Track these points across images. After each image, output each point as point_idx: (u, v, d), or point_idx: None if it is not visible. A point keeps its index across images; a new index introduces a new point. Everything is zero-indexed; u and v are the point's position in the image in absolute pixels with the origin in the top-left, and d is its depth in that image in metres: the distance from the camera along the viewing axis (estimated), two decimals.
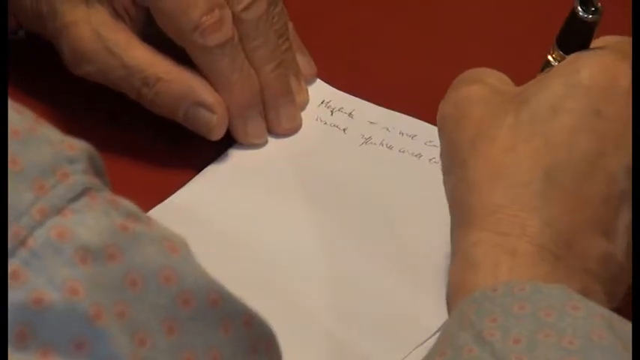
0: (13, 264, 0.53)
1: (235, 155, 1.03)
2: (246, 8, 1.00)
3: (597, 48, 0.89)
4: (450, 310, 0.82)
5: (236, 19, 0.99)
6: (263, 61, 1.02)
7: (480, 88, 0.88)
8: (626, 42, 0.91)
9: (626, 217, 0.86)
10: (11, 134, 0.58)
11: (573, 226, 0.83)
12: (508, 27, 1.21)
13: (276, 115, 1.03)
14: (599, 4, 0.88)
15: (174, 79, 1.00)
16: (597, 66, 0.87)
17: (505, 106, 0.85)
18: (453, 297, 0.83)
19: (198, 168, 1.02)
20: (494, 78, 0.90)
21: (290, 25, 1.05)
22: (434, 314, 0.87)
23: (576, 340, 0.75)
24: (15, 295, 0.54)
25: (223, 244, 0.98)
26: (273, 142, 1.03)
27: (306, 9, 1.13)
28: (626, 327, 0.77)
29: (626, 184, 0.86)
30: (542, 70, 0.91)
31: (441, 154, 0.91)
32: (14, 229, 0.54)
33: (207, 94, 1.00)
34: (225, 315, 0.61)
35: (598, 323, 0.75)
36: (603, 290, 0.84)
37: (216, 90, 1.00)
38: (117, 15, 1.01)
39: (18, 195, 0.55)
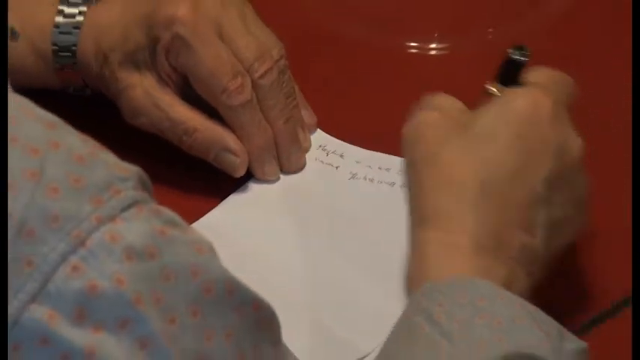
0: (73, 260, 0.65)
1: (253, 188, 1.17)
2: (261, 76, 1.12)
3: (528, 83, 1.04)
4: (407, 294, 0.97)
5: (254, 85, 1.12)
6: (276, 116, 1.14)
7: (434, 113, 1.04)
8: (551, 77, 1.06)
9: (542, 216, 1.01)
10: (75, 158, 0.69)
11: (501, 225, 0.98)
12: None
13: (287, 160, 1.16)
14: (529, 49, 1.06)
15: (207, 130, 1.13)
16: (525, 100, 1.02)
17: (453, 130, 1.02)
18: (410, 287, 0.97)
19: (222, 197, 1.15)
20: (449, 104, 1.05)
21: (296, 87, 1.16)
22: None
23: (503, 322, 0.90)
24: (75, 284, 0.65)
25: (242, 257, 1.07)
26: (283, 178, 1.17)
27: (310, 75, 1.21)
28: (540, 314, 0.93)
29: (543, 191, 1.01)
30: (484, 95, 1.05)
31: (404, 170, 1.06)
32: (76, 232, 0.65)
33: (232, 142, 1.13)
34: (239, 301, 0.73)
35: (518, 309, 0.91)
36: (524, 272, 0.99)
37: (239, 139, 1.13)
38: (162, 80, 1.14)
39: (79, 206, 0.66)
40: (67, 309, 0.65)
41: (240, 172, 1.13)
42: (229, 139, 1.12)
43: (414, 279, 0.97)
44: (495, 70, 1.06)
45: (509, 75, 1.05)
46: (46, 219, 0.66)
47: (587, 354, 0.92)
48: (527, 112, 1.02)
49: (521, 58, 1.05)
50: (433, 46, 1.32)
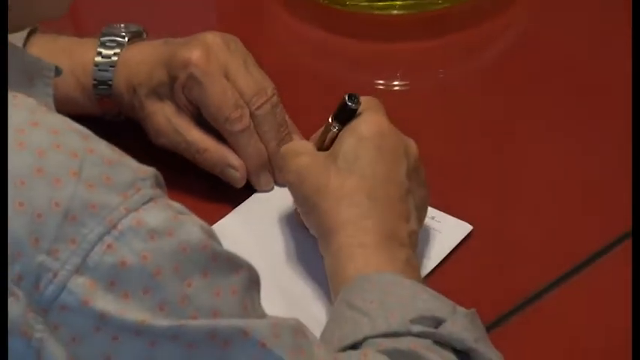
0: (108, 240, 0.67)
1: (259, 197, 1.16)
2: (258, 108, 1.12)
3: (363, 111, 1.06)
4: (334, 297, 0.99)
5: (252, 115, 1.13)
6: (269, 139, 1.14)
7: (304, 156, 1.05)
8: (373, 101, 1.08)
9: (412, 203, 1.04)
10: (106, 162, 0.71)
11: (390, 220, 1.00)
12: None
13: (279, 174, 1.15)
14: (359, 98, 1.05)
15: (214, 150, 1.13)
16: (369, 123, 1.04)
17: (325, 162, 1.03)
18: (333, 288, 0.99)
19: (231, 204, 1.14)
20: (309, 147, 1.07)
21: (287, 116, 1.16)
22: None
23: (407, 297, 0.91)
24: (109, 259, 0.67)
25: (250, 252, 0.96)
26: (277, 189, 1.16)
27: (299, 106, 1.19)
28: (436, 293, 0.93)
29: (406, 184, 1.04)
30: (326, 133, 1.07)
31: (297, 204, 1.09)
32: (109, 218, 0.68)
33: (234, 160, 1.13)
34: (237, 265, 0.75)
35: (418, 288, 0.93)
36: (414, 251, 1.01)
37: (240, 157, 1.13)
38: (179, 109, 1.14)
39: (111, 198, 0.69)
40: (103, 279, 0.67)
41: (240, 184, 1.14)
42: (231, 157, 1.13)
43: (336, 278, 0.98)
44: (336, 109, 1.06)
45: (345, 115, 1.06)
46: (86, 207, 0.67)
47: (475, 315, 0.91)
48: (374, 130, 1.03)
49: (354, 105, 1.06)
50: (396, 83, 1.31)
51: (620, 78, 1.25)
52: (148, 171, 0.74)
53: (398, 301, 0.91)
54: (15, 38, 0.98)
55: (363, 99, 1.06)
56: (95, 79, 1.15)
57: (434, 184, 1.08)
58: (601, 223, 1.13)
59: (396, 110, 1.08)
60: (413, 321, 0.87)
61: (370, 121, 1.05)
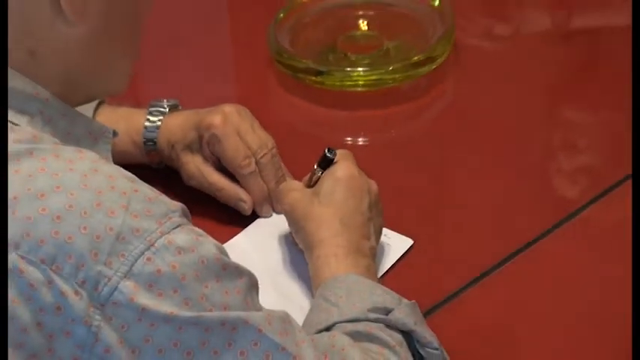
0: (147, 254, 0.67)
1: (260, 222, 1.13)
2: (261, 157, 1.10)
3: (338, 160, 1.04)
4: (314, 293, 0.97)
5: (257, 162, 1.10)
6: (269, 180, 1.11)
7: (295, 192, 1.04)
8: (346, 153, 1.06)
9: (372, 227, 1.02)
10: (147, 199, 0.70)
11: (356, 239, 0.98)
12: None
13: (276, 204, 1.13)
14: (336, 151, 1.04)
15: (230, 189, 1.11)
16: (343, 169, 1.02)
17: (310, 197, 1.02)
18: (314, 286, 0.97)
19: (242, 226, 1.11)
20: (298, 185, 1.06)
21: (282, 165, 1.14)
22: None
23: (366, 293, 0.90)
24: (148, 268, 0.67)
25: (256, 260, 1.05)
26: (275, 216, 1.13)
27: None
28: (387, 289, 0.92)
29: (369, 213, 1.02)
30: (312, 176, 1.05)
31: (290, 227, 1.06)
32: (149, 239, 0.67)
33: (243, 195, 1.11)
34: (241, 272, 0.74)
35: (374, 287, 0.92)
36: (373, 260, 1.00)
37: (248, 193, 1.11)
38: (205, 159, 1.12)
39: (150, 225, 0.68)
40: (143, 283, 0.67)
41: (248, 213, 1.12)
42: (242, 193, 1.11)
43: (316, 279, 0.97)
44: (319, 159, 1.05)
45: (326, 163, 1.04)
46: (132, 231, 0.67)
47: (415, 305, 0.90)
48: (346, 174, 1.02)
49: (332, 156, 1.04)
50: (361, 139, 1.30)
51: (527, 127, 1.26)
52: (177, 205, 0.73)
53: (359, 295, 0.90)
54: (86, 107, 1.00)
55: (338, 151, 1.05)
56: (145, 138, 1.14)
57: (387, 209, 1.06)
58: (505, 235, 1.10)
59: (361, 159, 1.07)
60: (370, 310, 0.87)
61: (343, 167, 1.04)
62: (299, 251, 1.04)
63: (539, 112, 1.29)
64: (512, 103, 1.28)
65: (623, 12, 1.41)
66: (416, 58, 1.30)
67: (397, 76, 1.29)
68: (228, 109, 1.12)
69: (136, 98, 1.29)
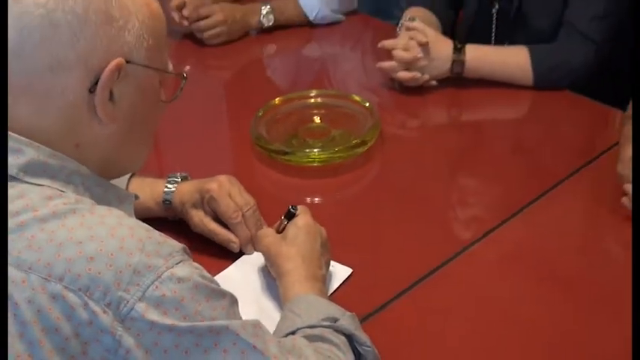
0: (156, 283, 0.65)
1: (245, 258, 1.08)
2: (246, 211, 1.06)
3: (299, 214, 1.01)
4: (283, 307, 0.93)
5: (243, 215, 1.06)
6: (252, 227, 1.07)
7: (269, 237, 1.00)
8: (305, 209, 1.03)
9: (323, 260, 0.99)
10: (156, 242, 0.68)
11: (313, 269, 0.95)
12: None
13: (256, 245, 1.07)
14: (298, 207, 1.02)
15: (223, 234, 1.07)
16: (302, 220, 1.00)
17: (280, 240, 0.99)
18: (283, 303, 0.94)
19: (232, 260, 1.07)
20: (271, 232, 1.02)
21: (260, 216, 1.09)
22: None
23: (322, 307, 0.88)
24: (156, 293, 0.65)
25: (244, 291, 0.96)
26: (256, 253, 1.07)
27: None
28: (330, 303, 0.90)
29: (320, 250, 0.99)
30: (280, 225, 1.02)
31: (266, 261, 1.02)
32: (157, 272, 0.66)
33: (233, 238, 1.06)
34: (224, 293, 0.72)
35: (327, 304, 0.89)
36: (323, 284, 0.96)
37: (236, 237, 1.07)
38: (205, 212, 1.08)
39: (159, 262, 0.66)
40: (153, 304, 0.65)
41: (237, 251, 1.08)
42: (232, 237, 1.07)
43: (285, 298, 0.94)
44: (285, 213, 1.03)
45: (290, 216, 1.02)
46: (145, 267, 0.66)
47: (355, 316, 0.88)
48: (305, 224, 1.00)
49: (294, 211, 1.02)
50: (317, 199, 1.26)
51: (432, 188, 1.25)
52: (180, 246, 0.71)
53: (315, 309, 0.88)
54: (121, 180, 1.02)
55: (299, 207, 1.03)
56: (164, 200, 1.11)
57: (333, 247, 1.04)
58: (420, 260, 1.08)
59: (315, 213, 1.05)
60: (322, 319, 0.85)
61: (303, 219, 1.01)
62: (273, 279, 1.01)
63: (441, 178, 1.30)
64: (422, 172, 1.29)
65: (502, 109, 1.45)
66: (354, 142, 1.30)
67: (341, 155, 1.29)
68: (222, 178, 1.09)
69: (160, 170, 1.28)
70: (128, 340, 0.65)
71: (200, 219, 1.09)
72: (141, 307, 0.65)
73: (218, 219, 1.09)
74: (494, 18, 1.58)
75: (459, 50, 1.43)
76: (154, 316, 0.65)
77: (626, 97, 1.28)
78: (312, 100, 1.43)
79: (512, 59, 1.43)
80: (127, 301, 0.64)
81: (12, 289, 0.63)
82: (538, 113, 1.40)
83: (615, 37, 1.47)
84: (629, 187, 1.07)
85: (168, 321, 0.66)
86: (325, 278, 0.99)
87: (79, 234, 0.66)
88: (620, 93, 1.35)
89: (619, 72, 1.52)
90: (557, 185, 1.18)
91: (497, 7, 1.57)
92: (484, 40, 1.56)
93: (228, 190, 1.08)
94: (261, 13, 1.71)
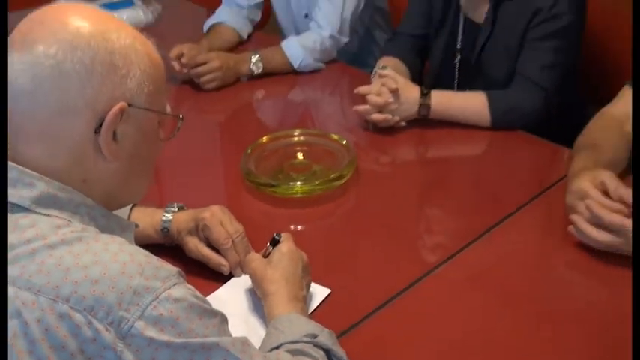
0: (154, 303, 0.64)
1: (234, 280, 1.06)
2: (235, 238, 1.05)
3: (282, 240, 1.00)
4: (268, 324, 0.92)
5: (233, 241, 1.05)
6: (240, 252, 1.05)
7: (256, 261, 0.99)
8: (287, 235, 1.02)
9: (304, 283, 0.97)
10: (154, 266, 0.67)
11: (294, 291, 0.94)
12: None
13: (244, 268, 1.05)
14: (281, 234, 1.01)
15: (215, 258, 1.06)
16: (285, 245, 0.99)
17: (265, 264, 0.98)
18: (268, 320, 0.92)
19: (222, 282, 1.06)
20: (257, 256, 1.00)
21: (248, 242, 1.08)
22: None
23: (303, 324, 0.87)
24: (154, 313, 0.64)
25: (233, 304, 1.01)
26: (244, 276, 1.05)
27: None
28: (309, 321, 0.88)
29: (301, 274, 0.97)
30: (266, 250, 1.01)
31: (253, 283, 1.00)
32: (155, 293, 0.65)
33: (224, 262, 1.05)
34: (215, 312, 0.71)
35: (308, 322, 0.88)
36: (304, 304, 0.95)
37: (227, 260, 1.05)
38: (200, 239, 1.07)
39: (156, 284, 0.66)
40: (151, 322, 0.65)
41: (227, 273, 1.07)
42: (222, 261, 1.06)
43: (269, 316, 0.93)
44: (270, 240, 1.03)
45: (274, 242, 1.01)
46: (144, 289, 0.66)
47: (332, 333, 0.88)
48: (288, 250, 0.99)
49: (278, 238, 1.02)
50: (299, 227, 1.25)
51: (401, 216, 1.24)
52: (175, 270, 0.70)
53: (297, 326, 0.87)
54: (124, 209, 1.02)
55: (282, 235, 1.03)
56: (162, 228, 1.10)
57: (313, 269, 1.04)
58: (391, 279, 1.08)
59: (297, 239, 1.04)
60: (304, 335, 0.85)
61: (286, 245, 1.01)
62: (259, 298, 1.00)
63: (410, 208, 1.29)
64: (393, 203, 1.28)
65: (463, 147, 1.45)
66: (332, 176, 1.30)
67: (321, 187, 1.29)
68: (215, 208, 1.08)
69: (160, 200, 1.27)
70: (128, 356, 0.64)
71: (195, 245, 1.08)
72: (140, 325, 0.64)
73: (211, 245, 1.08)
74: (456, 67, 1.63)
75: (425, 95, 1.45)
76: (151, 333, 0.64)
77: (573, 137, 1.31)
78: (296, 139, 1.43)
79: (472, 103, 1.45)
80: (128, 320, 0.64)
81: (23, 310, 0.64)
82: (495, 151, 1.42)
83: (563, 84, 1.50)
84: (574, 217, 1.09)
85: (164, 337, 0.65)
86: (306, 298, 0.98)
87: (85, 259, 0.65)
88: (568, 133, 1.36)
89: (566, 114, 1.55)
90: (512, 214, 1.19)
91: (459, 57, 1.63)
92: (448, 86, 1.59)
93: (220, 219, 1.07)
94: (251, 61, 1.74)
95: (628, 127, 1.23)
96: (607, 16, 1.62)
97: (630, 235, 1.00)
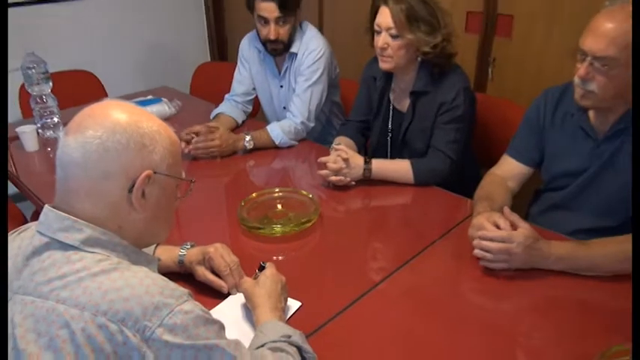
0: (170, 315, 0.62)
1: (231, 297, 1.02)
2: (233, 266, 1.02)
3: (267, 267, 0.96)
4: (256, 329, 0.88)
5: (230, 269, 1.02)
6: (236, 277, 1.02)
7: (247, 282, 0.96)
8: (270, 264, 0.97)
9: (282, 298, 0.92)
10: (171, 288, 0.64)
11: (274, 304, 0.90)
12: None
13: (239, 289, 0.99)
14: (266, 263, 0.97)
15: (217, 281, 1.02)
16: (269, 271, 0.96)
17: (254, 285, 0.95)
18: (256, 326, 0.89)
19: (223, 298, 1.02)
20: (249, 280, 0.96)
21: (241, 269, 1.04)
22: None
23: (279, 328, 0.84)
24: (170, 322, 0.62)
25: (231, 316, 0.97)
26: (239, 294, 1.01)
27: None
28: (289, 326, 0.85)
29: (280, 291, 0.92)
30: (255, 275, 0.97)
31: (245, 299, 0.95)
32: (170, 308, 0.63)
33: (224, 284, 1.02)
34: (215, 321, 0.69)
35: (284, 326, 0.85)
36: (282, 313, 0.91)
37: (225, 283, 1.02)
38: (207, 267, 1.03)
39: (172, 302, 0.64)
40: (167, 329, 0.64)
41: (226, 292, 1.03)
42: (222, 283, 1.03)
43: (257, 323, 0.90)
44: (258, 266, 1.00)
45: (261, 269, 0.98)
46: (163, 304, 0.65)
47: (303, 334, 0.85)
48: (271, 274, 0.97)
49: (264, 265, 0.99)
50: (281, 257, 1.20)
51: (354, 249, 1.21)
52: (186, 291, 0.69)
53: (276, 329, 0.85)
54: (150, 248, 1.00)
55: (267, 263, 1.00)
56: (178, 260, 1.07)
57: (289, 288, 1.01)
58: (347, 290, 1.06)
59: (279, 266, 1.02)
60: (281, 336, 0.83)
61: (269, 270, 0.98)
62: (249, 310, 0.98)
63: (359, 242, 1.26)
64: (346, 239, 1.26)
65: (395, 198, 1.40)
66: (303, 220, 1.28)
67: (294, 228, 1.27)
68: (217, 245, 1.06)
69: (180, 239, 1.21)
70: (150, 356, 0.63)
71: (202, 272, 1.06)
72: (159, 331, 0.64)
73: (214, 272, 1.06)
74: (389, 143, 1.66)
75: (367, 162, 1.46)
76: (168, 337, 0.64)
77: (471, 190, 1.35)
78: (276, 194, 1.41)
79: (401, 168, 1.46)
80: (150, 328, 0.63)
81: (71, 322, 0.62)
82: (418, 201, 1.42)
83: (464, 154, 1.53)
84: (476, 242, 1.10)
85: (177, 340, 0.65)
86: (284, 309, 0.97)
87: (119, 283, 0.65)
88: (467, 188, 1.40)
89: (466, 176, 1.58)
90: (431, 245, 1.19)
91: (390, 136, 1.66)
92: (383, 156, 1.62)
93: (221, 253, 1.05)
94: (245, 140, 1.74)
95: (510, 183, 1.30)
96: (490, 107, 1.70)
97: (518, 239, 0.99)
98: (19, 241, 0.70)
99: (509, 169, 1.29)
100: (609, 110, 1.08)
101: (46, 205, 0.69)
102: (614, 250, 0.96)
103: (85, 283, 0.64)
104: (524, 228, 1.00)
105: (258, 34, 1.73)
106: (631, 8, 0.92)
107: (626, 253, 0.94)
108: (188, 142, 1.68)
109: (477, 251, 1.07)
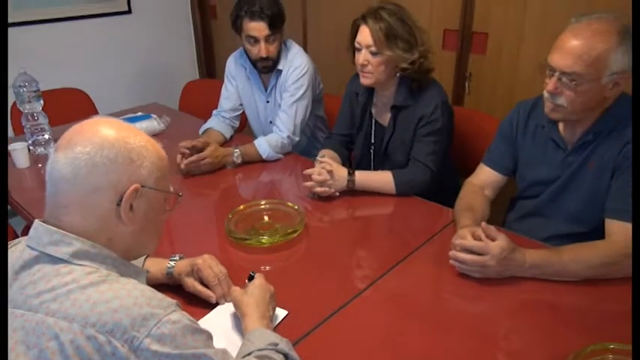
0: (158, 325, 0.61)
1: (220, 306, 1.02)
2: (220, 277, 1.01)
3: (256, 277, 0.96)
4: (244, 336, 0.87)
5: (218, 279, 1.01)
6: (224, 287, 1.01)
7: (236, 292, 0.95)
8: (259, 274, 0.96)
9: (270, 307, 0.91)
10: (158, 299, 0.64)
11: (262, 312, 0.90)
12: None
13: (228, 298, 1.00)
14: (255, 273, 0.97)
15: (206, 292, 1.01)
16: (258, 281, 0.95)
17: (243, 294, 0.94)
18: (244, 333, 0.87)
19: (211, 308, 1.01)
20: (238, 289, 0.95)
21: (229, 280, 1.03)
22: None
23: (266, 336, 0.81)
24: (158, 332, 0.61)
25: (219, 330, 0.95)
26: (227, 303, 1.01)
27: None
28: (276, 334, 0.83)
29: (269, 299, 0.92)
30: (245, 286, 0.96)
31: (235, 308, 0.95)
32: (158, 318, 0.62)
33: (212, 294, 1.01)
34: (203, 331, 0.69)
35: (271, 334, 0.84)
36: (270, 322, 0.91)
37: (213, 293, 1.01)
38: (195, 278, 1.03)
39: (160, 312, 0.63)
40: (155, 339, 0.64)
41: (214, 302, 1.02)
42: (211, 293, 1.02)
43: (245, 331, 0.89)
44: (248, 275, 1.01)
45: (250, 278, 0.99)
46: (151, 315, 0.65)
47: (289, 342, 0.84)
48: (260, 283, 0.96)
49: (253, 274, 0.99)
50: (268, 267, 1.20)
51: (340, 256, 1.22)
52: (174, 301, 0.69)
53: (263, 337, 0.84)
54: (139, 260, 0.98)
55: (256, 274, 1.00)
56: (167, 272, 1.06)
57: (277, 297, 1.01)
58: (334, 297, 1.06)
59: (267, 275, 1.02)
60: (268, 344, 0.82)
61: (258, 280, 0.98)
62: (237, 319, 0.97)
63: (344, 250, 1.25)
64: (332, 248, 1.26)
65: (378, 208, 1.42)
66: (289, 231, 1.28)
67: (281, 239, 1.27)
68: (205, 256, 1.06)
69: (171, 250, 1.23)
70: None
71: (191, 283, 1.05)
72: (147, 341, 0.64)
73: (202, 282, 1.05)
74: (372, 155, 1.67)
75: (351, 174, 1.46)
76: (156, 347, 0.64)
77: (451, 199, 1.36)
78: (263, 206, 1.40)
79: (383, 179, 1.46)
80: (138, 338, 0.64)
81: (60, 334, 0.62)
82: (399, 210, 1.42)
83: (443, 165, 1.55)
84: (451, 253, 1.11)
85: (165, 350, 0.65)
86: (271, 318, 0.96)
87: (107, 295, 0.65)
88: (447, 198, 1.41)
89: (445, 185, 1.59)
90: (413, 253, 1.20)
91: (372, 148, 1.67)
92: (366, 168, 1.62)
93: (209, 264, 1.04)
94: (233, 155, 1.74)
95: (487, 191, 1.33)
96: (467, 120, 1.71)
97: (492, 251, 1.00)
98: (9, 255, 0.70)
99: (485, 178, 1.31)
100: (578, 122, 1.10)
101: (36, 220, 0.69)
102: (585, 257, 0.98)
103: (74, 295, 0.63)
104: (501, 240, 1.01)
105: (246, 53, 1.73)
106: (596, 26, 0.94)
107: (598, 259, 0.97)
108: (184, 155, 1.67)
109: (452, 261, 1.08)
